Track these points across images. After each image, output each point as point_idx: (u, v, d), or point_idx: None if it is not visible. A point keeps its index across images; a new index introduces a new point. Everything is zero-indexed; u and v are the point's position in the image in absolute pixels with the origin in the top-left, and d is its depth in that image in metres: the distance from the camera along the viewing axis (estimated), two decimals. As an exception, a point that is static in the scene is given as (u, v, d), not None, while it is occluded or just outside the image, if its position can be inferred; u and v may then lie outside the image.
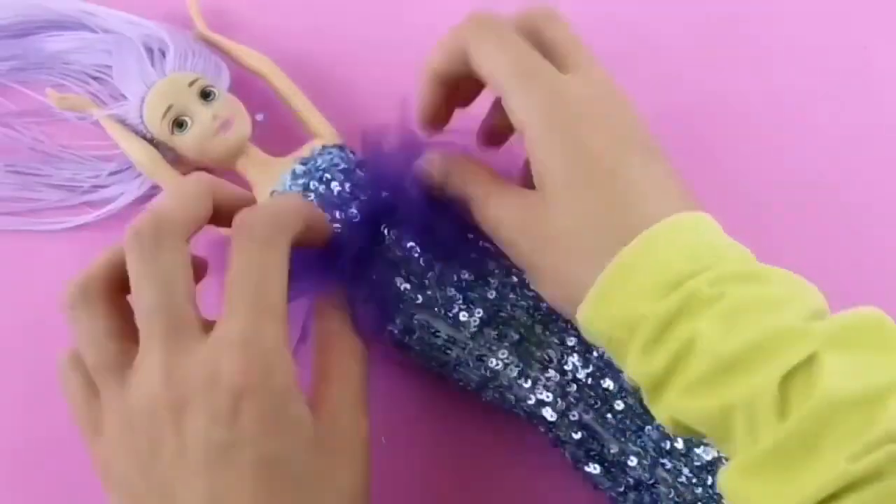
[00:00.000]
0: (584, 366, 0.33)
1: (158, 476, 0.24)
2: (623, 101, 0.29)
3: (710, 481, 0.32)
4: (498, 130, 0.33)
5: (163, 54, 0.38)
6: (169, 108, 0.36)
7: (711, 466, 0.33)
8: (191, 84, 0.36)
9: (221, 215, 0.28)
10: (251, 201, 0.29)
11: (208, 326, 0.26)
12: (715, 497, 0.32)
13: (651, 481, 0.32)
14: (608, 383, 0.33)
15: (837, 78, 0.43)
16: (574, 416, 0.33)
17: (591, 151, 0.27)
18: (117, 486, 0.25)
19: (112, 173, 0.38)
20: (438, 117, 0.32)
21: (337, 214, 0.33)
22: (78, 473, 0.33)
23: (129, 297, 0.27)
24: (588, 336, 0.28)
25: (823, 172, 0.41)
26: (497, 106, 0.32)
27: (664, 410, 0.26)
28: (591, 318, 0.27)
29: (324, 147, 0.36)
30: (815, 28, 0.45)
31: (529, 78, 0.28)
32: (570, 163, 0.27)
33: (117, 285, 0.27)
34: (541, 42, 0.30)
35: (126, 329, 0.26)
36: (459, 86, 0.31)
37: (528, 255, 0.29)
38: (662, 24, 0.45)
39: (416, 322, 0.33)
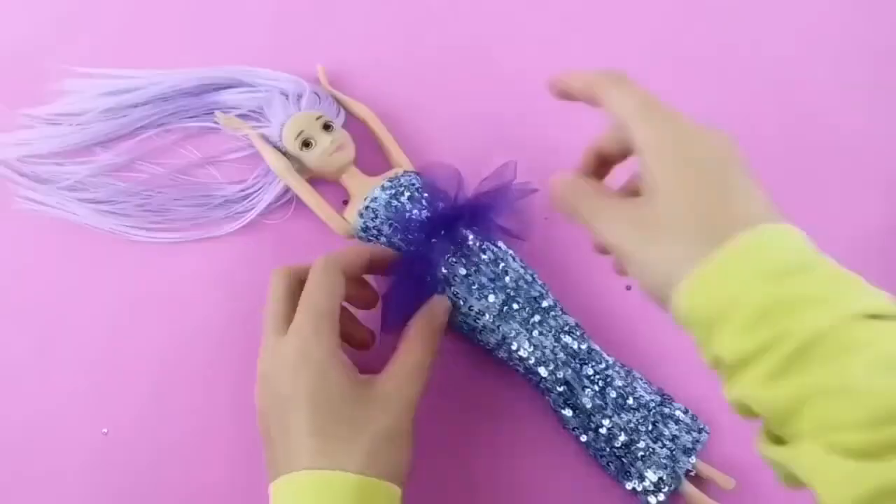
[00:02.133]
0: (572, 340, 0.47)
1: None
2: (724, 133, 0.35)
3: (658, 424, 0.46)
4: (608, 160, 0.39)
5: (299, 98, 0.53)
6: (301, 132, 0.51)
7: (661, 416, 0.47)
8: (317, 118, 0.52)
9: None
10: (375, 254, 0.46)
11: None
12: (660, 438, 0.46)
13: (609, 426, 0.46)
14: (586, 351, 0.47)
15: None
16: (559, 374, 0.47)
17: (700, 163, 0.33)
18: (263, 382, 0.41)
19: (249, 192, 0.54)
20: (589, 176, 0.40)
21: (415, 213, 0.48)
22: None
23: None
24: (681, 313, 0.32)
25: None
26: (610, 139, 0.38)
27: (737, 391, 0.31)
28: (694, 294, 0.31)
29: (405, 172, 0.51)
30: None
31: (652, 112, 0.34)
32: (682, 170, 0.33)
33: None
34: None
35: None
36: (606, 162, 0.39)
37: (635, 248, 0.33)
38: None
39: (453, 294, 0.47)
